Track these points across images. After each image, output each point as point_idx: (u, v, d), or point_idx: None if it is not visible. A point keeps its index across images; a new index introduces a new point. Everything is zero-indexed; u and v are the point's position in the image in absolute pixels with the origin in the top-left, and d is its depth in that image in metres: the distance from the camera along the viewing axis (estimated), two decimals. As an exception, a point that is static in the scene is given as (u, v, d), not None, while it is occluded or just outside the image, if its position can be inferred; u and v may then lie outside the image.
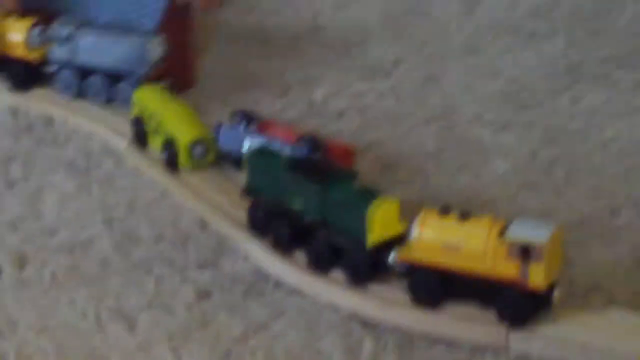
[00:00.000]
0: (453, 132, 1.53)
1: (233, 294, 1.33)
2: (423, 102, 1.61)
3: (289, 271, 1.39)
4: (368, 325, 1.29)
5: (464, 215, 1.32)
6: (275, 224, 1.40)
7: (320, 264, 1.36)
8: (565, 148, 1.50)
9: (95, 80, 1.64)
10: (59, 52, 1.70)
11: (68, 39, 1.73)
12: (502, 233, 1.33)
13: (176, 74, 1.74)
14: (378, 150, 1.52)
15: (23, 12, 1.75)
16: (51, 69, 1.73)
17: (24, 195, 1.39)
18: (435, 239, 1.26)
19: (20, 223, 1.39)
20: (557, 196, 1.46)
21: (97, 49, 1.71)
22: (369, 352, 1.26)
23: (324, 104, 1.62)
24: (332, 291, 1.34)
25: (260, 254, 1.40)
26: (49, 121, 1.46)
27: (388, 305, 1.37)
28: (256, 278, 1.33)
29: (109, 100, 1.65)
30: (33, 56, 1.66)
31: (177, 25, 1.77)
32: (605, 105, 1.59)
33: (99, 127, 1.54)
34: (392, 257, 1.34)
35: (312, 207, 1.36)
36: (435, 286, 1.34)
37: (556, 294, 1.30)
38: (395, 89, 1.66)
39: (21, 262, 1.33)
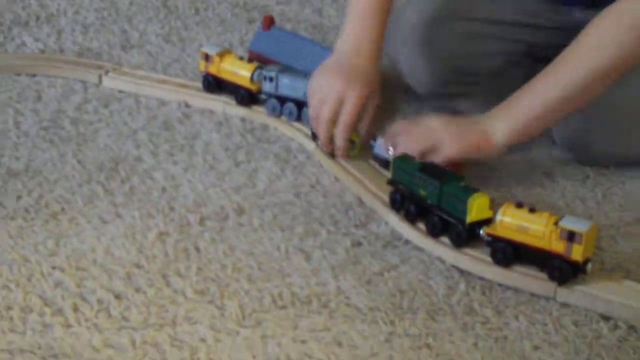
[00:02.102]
0: (532, 163, 1.64)
1: (375, 246, 1.46)
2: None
3: (414, 234, 1.51)
4: (464, 273, 1.42)
5: (532, 210, 1.46)
6: (407, 204, 1.53)
7: (435, 232, 1.49)
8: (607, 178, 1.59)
9: (289, 106, 1.80)
10: (267, 87, 1.86)
11: (272, 79, 1.91)
12: (556, 223, 1.46)
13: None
14: (480, 166, 1.66)
15: (250, 55, 1.93)
16: (263, 96, 1.90)
17: (245, 171, 1.54)
18: (511, 222, 1.38)
19: (240, 188, 1.54)
20: (598, 207, 1.55)
21: (290, 86, 1.88)
22: (462, 290, 1.38)
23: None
24: (441, 249, 1.46)
25: (395, 222, 1.53)
26: (265, 127, 1.59)
27: (477, 261, 1.50)
28: (392, 237, 1.46)
29: (297, 119, 1.81)
30: (254, 87, 1.83)
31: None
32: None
33: (296, 134, 1.68)
34: (482, 231, 1.47)
35: (432, 195, 1.49)
36: (509, 252, 1.47)
37: (589, 266, 1.42)
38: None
39: (240, 212, 1.47)
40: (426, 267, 1.43)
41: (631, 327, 1.29)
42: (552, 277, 1.33)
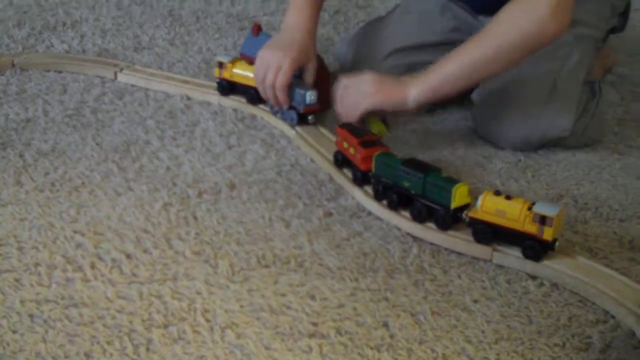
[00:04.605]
0: (474, 149, 1.59)
1: (344, 216, 1.44)
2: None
3: (375, 207, 1.50)
4: (416, 239, 1.41)
5: (508, 197, 1.45)
6: (389, 194, 1.51)
7: (420, 217, 1.47)
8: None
9: (282, 108, 1.78)
10: None
11: None
12: (530, 208, 1.45)
13: (321, 104, 1.88)
14: (435, 150, 1.65)
15: (241, 57, 1.89)
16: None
17: (236, 153, 1.51)
18: (490, 206, 1.36)
19: (232, 167, 1.51)
20: (528, 185, 1.55)
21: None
22: (414, 253, 1.37)
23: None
24: (397, 219, 1.45)
25: (360, 197, 1.51)
26: (253, 117, 1.57)
27: (427, 229, 1.48)
28: (357, 209, 1.44)
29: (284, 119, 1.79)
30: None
31: (323, 80, 1.91)
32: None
33: (279, 123, 1.66)
34: (464, 215, 1.45)
35: (416, 186, 1.47)
36: (488, 233, 1.45)
37: (557, 244, 1.41)
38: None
39: (231, 187, 1.45)
40: (385, 234, 1.43)
41: (554, 285, 1.29)
42: (525, 255, 1.31)
